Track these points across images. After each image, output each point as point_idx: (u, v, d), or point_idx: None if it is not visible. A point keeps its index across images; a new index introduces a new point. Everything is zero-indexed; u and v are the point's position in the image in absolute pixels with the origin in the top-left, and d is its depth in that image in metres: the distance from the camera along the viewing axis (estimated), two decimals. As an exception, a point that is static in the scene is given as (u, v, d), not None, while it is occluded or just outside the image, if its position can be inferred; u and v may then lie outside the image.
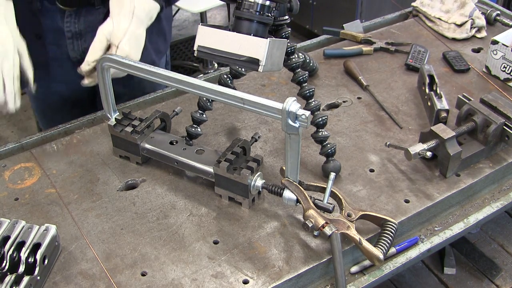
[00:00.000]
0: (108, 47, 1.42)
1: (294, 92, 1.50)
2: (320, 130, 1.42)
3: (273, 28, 1.34)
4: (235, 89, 1.30)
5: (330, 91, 1.75)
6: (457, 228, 1.36)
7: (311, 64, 1.73)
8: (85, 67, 1.43)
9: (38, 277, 1.15)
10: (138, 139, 1.43)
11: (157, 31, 1.75)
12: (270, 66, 1.20)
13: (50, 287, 1.18)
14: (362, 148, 1.53)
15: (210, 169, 1.36)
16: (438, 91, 1.62)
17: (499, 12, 2.09)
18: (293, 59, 1.40)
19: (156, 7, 1.51)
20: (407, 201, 1.37)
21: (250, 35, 1.19)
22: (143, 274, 1.20)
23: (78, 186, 1.42)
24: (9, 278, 1.10)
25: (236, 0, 1.22)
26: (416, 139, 1.52)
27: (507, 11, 2.13)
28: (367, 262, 1.26)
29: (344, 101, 1.71)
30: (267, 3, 1.20)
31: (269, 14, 1.21)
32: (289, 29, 1.36)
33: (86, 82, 1.46)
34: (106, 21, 1.44)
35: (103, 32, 1.42)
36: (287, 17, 1.35)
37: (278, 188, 1.30)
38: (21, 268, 1.14)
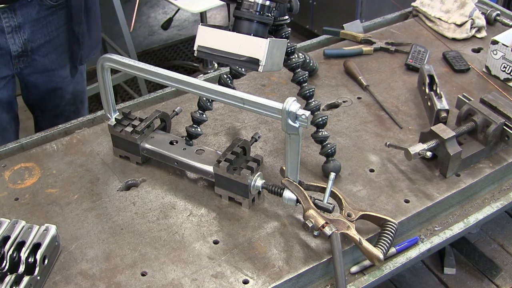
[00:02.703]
0: None
1: (294, 92, 1.50)
2: (320, 130, 1.42)
3: (273, 28, 1.34)
4: (235, 89, 1.30)
5: (330, 91, 1.75)
6: (457, 228, 1.36)
7: (311, 64, 1.73)
8: None
9: (38, 277, 1.15)
10: (138, 139, 1.43)
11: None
12: (270, 66, 1.20)
13: (50, 287, 1.18)
14: (362, 148, 1.53)
15: (210, 169, 1.36)
16: (438, 91, 1.62)
17: (499, 12, 2.09)
18: (293, 59, 1.40)
19: None
20: (407, 201, 1.37)
21: (250, 35, 1.19)
22: (143, 274, 1.20)
23: (78, 186, 1.42)
24: (9, 278, 1.10)
25: (236, 0, 1.22)
26: (416, 139, 1.52)
27: (507, 11, 2.13)
28: (367, 262, 1.26)
29: (344, 101, 1.71)
30: (267, 3, 1.20)
31: (269, 14, 1.21)
32: (289, 29, 1.36)
33: None
34: None
35: None
36: (287, 17, 1.35)
37: (278, 188, 1.30)
38: (21, 268, 1.14)
